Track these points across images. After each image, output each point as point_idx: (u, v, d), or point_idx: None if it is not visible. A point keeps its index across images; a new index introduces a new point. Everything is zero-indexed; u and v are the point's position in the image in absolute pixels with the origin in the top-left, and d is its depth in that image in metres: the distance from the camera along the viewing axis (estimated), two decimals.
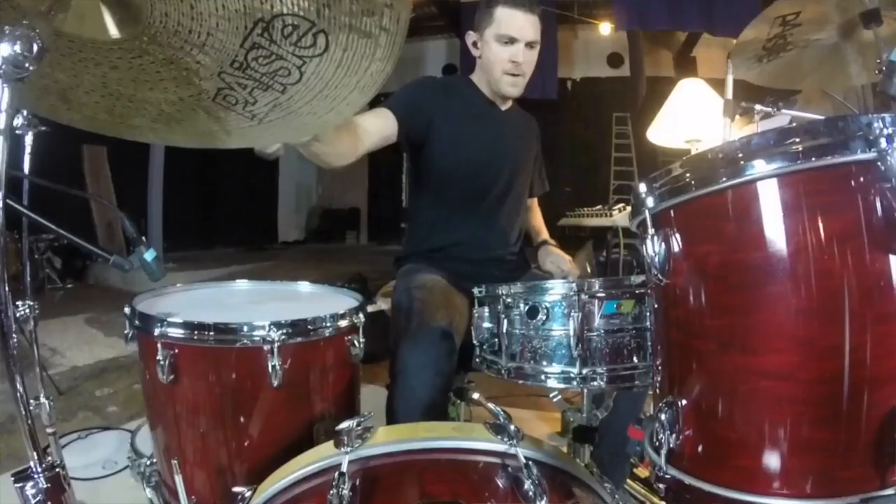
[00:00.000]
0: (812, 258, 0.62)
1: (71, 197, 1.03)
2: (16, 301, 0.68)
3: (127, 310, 1.05)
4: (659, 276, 0.73)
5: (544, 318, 0.98)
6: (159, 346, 0.97)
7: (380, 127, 1.38)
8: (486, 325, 1.10)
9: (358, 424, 0.68)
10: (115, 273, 4.57)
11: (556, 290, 0.99)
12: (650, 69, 7.43)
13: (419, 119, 1.47)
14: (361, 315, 1.11)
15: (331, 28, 0.70)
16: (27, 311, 1.18)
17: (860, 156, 0.60)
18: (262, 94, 0.79)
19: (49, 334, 3.43)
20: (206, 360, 0.99)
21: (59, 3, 0.66)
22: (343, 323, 1.06)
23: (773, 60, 1.67)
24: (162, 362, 0.96)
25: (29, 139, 1.50)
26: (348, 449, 0.66)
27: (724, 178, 0.66)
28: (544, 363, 1.00)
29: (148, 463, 1.11)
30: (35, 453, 0.69)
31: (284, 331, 0.97)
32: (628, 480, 1.55)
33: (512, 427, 0.69)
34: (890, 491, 0.59)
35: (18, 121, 1.20)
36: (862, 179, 0.61)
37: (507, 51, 1.47)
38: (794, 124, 0.99)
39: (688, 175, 0.70)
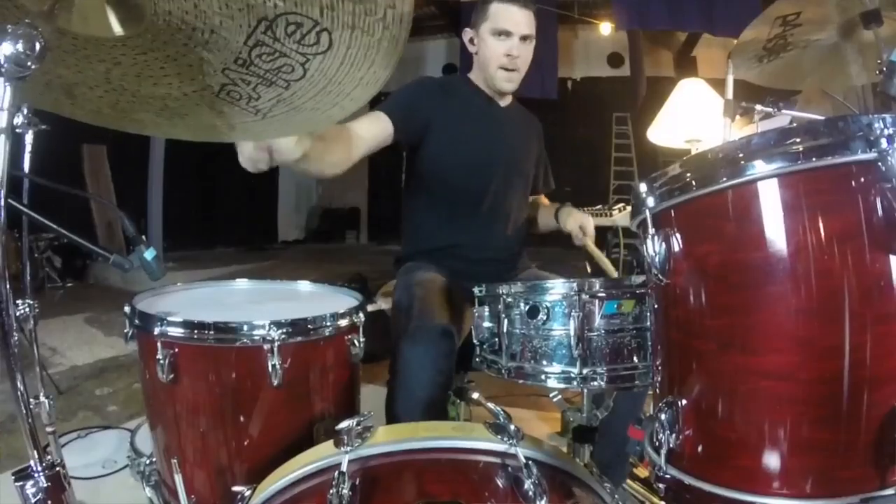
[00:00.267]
0: (812, 258, 0.62)
1: (71, 196, 1.03)
2: (16, 300, 0.68)
3: (127, 309, 1.05)
4: (659, 275, 0.73)
5: (545, 317, 0.98)
6: (159, 345, 0.97)
7: (375, 132, 1.38)
8: (487, 324, 1.10)
9: (358, 424, 0.68)
10: (115, 272, 4.58)
11: (556, 289, 0.99)
12: (650, 69, 7.44)
13: (416, 121, 1.47)
14: (361, 314, 1.11)
15: (334, 27, 0.70)
16: (27, 310, 1.18)
17: (860, 156, 0.60)
18: (266, 89, 0.79)
19: (49, 334, 3.43)
20: (205, 360, 0.99)
21: (61, 2, 0.66)
22: (343, 322, 1.06)
23: (774, 60, 1.67)
24: (162, 361, 0.96)
25: (29, 138, 1.50)
26: (348, 448, 0.66)
27: (725, 178, 0.66)
28: (544, 363, 1.00)
29: (148, 462, 1.11)
30: (35, 452, 0.69)
31: (284, 330, 0.97)
32: (628, 480, 1.55)
33: (512, 427, 0.69)
34: (890, 491, 0.59)
35: (19, 119, 1.20)
36: (862, 180, 0.61)
37: (502, 45, 1.47)
38: (795, 124, 0.99)
39: (688, 175, 0.70)
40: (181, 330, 0.97)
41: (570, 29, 7.72)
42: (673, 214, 0.73)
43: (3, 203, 0.62)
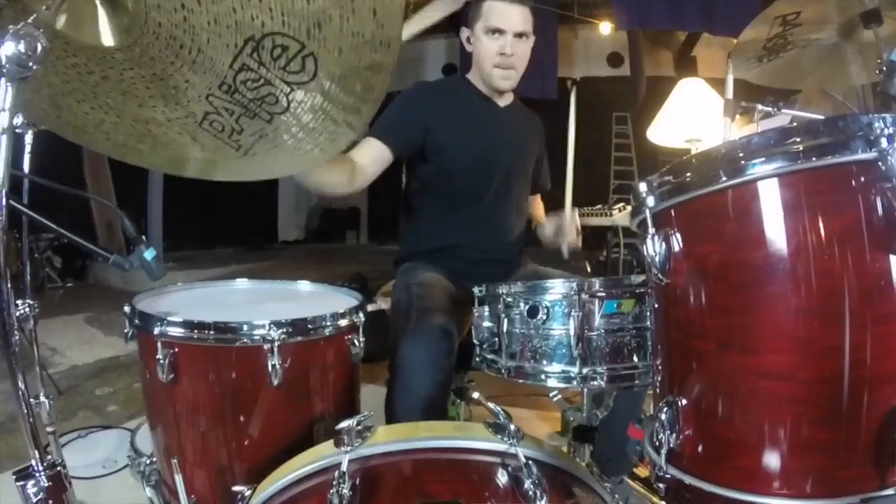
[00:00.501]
0: (812, 258, 0.62)
1: (71, 196, 1.03)
2: (16, 300, 0.68)
3: (127, 309, 1.05)
4: (659, 275, 0.73)
5: (544, 317, 0.98)
6: (159, 345, 0.97)
7: (373, 159, 1.41)
8: (487, 324, 1.10)
9: (358, 424, 0.68)
10: (115, 272, 4.58)
11: (556, 289, 0.99)
12: (650, 69, 7.44)
13: (412, 135, 1.48)
14: (361, 314, 1.11)
15: (319, 51, 0.70)
16: (27, 310, 1.18)
17: (861, 156, 0.60)
18: (249, 122, 0.79)
19: (49, 333, 3.43)
20: (205, 360, 0.99)
21: (59, 4, 0.66)
22: (343, 322, 1.06)
23: (774, 60, 1.67)
24: (162, 361, 0.96)
25: (29, 138, 1.50)
26: (348, 448, 0.66)
27: (725, 178, 0.66)
28: (544, 362, 1.00)
29: (148, 462, 1.11)
30: (36, 452, 0.69)
31: (284, 330, 0.96)
32: (628, 480, 1.55)
33: (512, 426, 0.69)
34: (890, 491, 0.59)
35: (19, 120, 1.20)
36: (862, 179, 0.61)
37: (495, 43, 1.46)
38: (795, 124, 0.99)
39: (688, 175, 0.70)
40: (181, 330, 0.97)
41: (570, 29, 7.71)
42: (673, 214, 0.73)
43: (3, 203, 0.62)
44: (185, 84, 0.75)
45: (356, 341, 1.10)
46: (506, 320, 1.03)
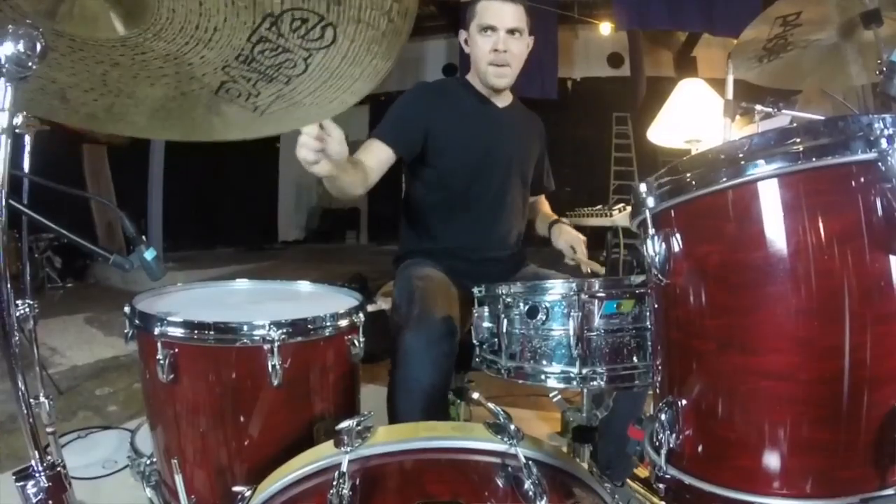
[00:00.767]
0: (812, 258, 0.62)
1: (71, 196, 1.03)
2: (16, 300, 0.68)
3: (127, 309, 1.05)
4: (659, 275, 0.73)
5: (544, 317, 0.98)
6: (159, 345, 0.97)
7: (377, 161, 1.43)
8: (486, 324, 1.10)
9: (358, 424, 0.68)
10: (115, 272, 4.58)
11: (555, 289, 0.99)
12: (650, 69, 7.43)
13: (413, 135, 1.49)
14: (361, 315, 1.11)
15: (339, 21, 0.70)
16: (27, 310, 1.17)
17: (861, 156, 0.60)
18: (266, 85, 0.79)
19: (49, 334, 3.43)
20: (205, 360, 0.99)
21: (62, 3, 0.66)
22: (343, 322, 1.06)
23: (774, 61, 1.67)
24: (162, 361, 0.96)
25: (29, 139, 1.50)
26: (348, 448, 0.66)
27: (725, 178, 0.66)
28: (544, 363, 1.00)
29: (148, 462, 1.11)
30: (36, 452, 0.69)
31: (284, 330, 0.96)
32: (628, 480, 1.55)
33: (512, 427, 0.69)
34: (890, 491, 0.59)
35: (18, 120, 1.20)
36: (862, 180, 0.61)
37: (488, 41, 1.47)
38: (795, 124, 0.99)
39: (688, 175, 0.70)
40: (181, 330, 0.97)
41: (570, 29, 7.71)
42: (673, 214, 0.73)
43: (3, 203, 0.62)
44: (199, 60, 0.75)
45: (356, 341, 1.10)
46: (505, 321, 1.03)
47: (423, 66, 8.65)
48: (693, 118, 2.10)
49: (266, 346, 0.95)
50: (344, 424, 0.68)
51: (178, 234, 6.64)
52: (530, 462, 0.64)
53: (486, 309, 1.10)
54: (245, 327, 0.96)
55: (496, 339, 1.06)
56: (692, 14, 5.26)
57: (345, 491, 0.59)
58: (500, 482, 0.66)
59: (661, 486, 0.75)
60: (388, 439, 0.70)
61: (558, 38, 6.87)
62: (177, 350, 0.97)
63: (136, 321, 1.02)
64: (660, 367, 0.81)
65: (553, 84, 6.69)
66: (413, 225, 1.63)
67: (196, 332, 0.96)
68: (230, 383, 0.99)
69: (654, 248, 0.74)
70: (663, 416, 0.73)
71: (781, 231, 0.63)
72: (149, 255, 0.91)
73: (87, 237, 0.90)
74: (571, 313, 0.96)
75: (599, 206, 3.87)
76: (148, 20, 0.70)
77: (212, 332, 0.96)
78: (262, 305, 1.23)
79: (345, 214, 10.17)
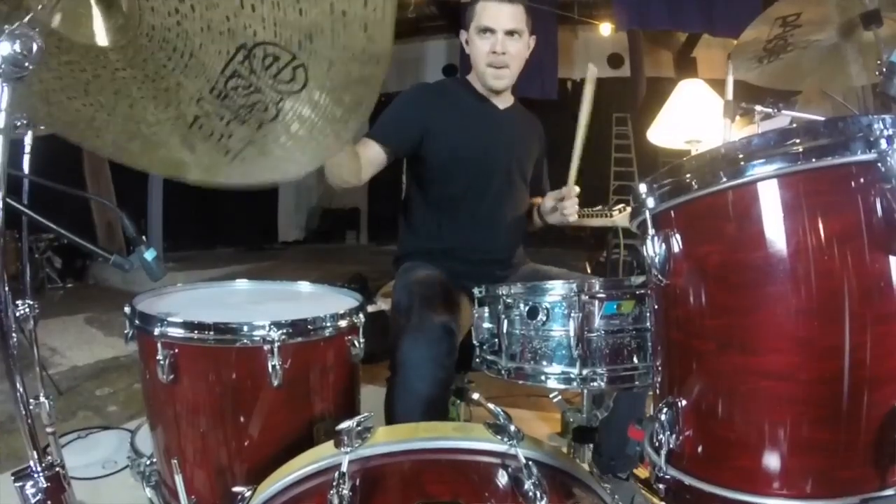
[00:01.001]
0: (812, 258, 0.62)
1: (71, 196, 1.03)
2: (16, 300, 0.68)
3: (127, 309, 1.05)
4: (659, 276, 0.73)
5: (544, 318, 0.98)
6: (159, 345, 0.97)
7: (371, 159, 1.44)
8: (487, 325, 1.10)
9: (358, 424, 0.68)
10: (115, 273, 4.57)
11: (556, 290, 0.99)
12: (650, 69, 7.43)
13: (409, 135, 1.49)
14: (361, 315, 1.11)
15: (310, 62, 0.70)
16: (27, 310, 1.17)
17: (860, 157, 0.60)
18: (238, 127, 0.79)
19: (49, 334, 3.42)
20: (206, 360, 0.99)
21: (55, 4, 0.66)
22: (343, 323, 1.06)
23: (774, 61, 1.67)
24: (162, 362, 0.96)
25: (29, 139, 1.50)
26: (348, 449, 0.66)
27: (725, 179, 0.66)
28: (544, 363, 1.00)
29: (148, 462, 1.11)
30: (35, 453, 0.69)
31: (284, 330, 0.97)
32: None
33: (512, 427, 0.69)
34: (890, 491, 0.59)
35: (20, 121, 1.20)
36: (862, 180, 0.61)
37: (486, 42, 1.47)
38: (795, 125, 0.99)
39: (688, 175, 0.70)
40: (181, 330, 0.97)
41: (570, 29, 7.71)
42: (673, 215, 0.73)
43: (2, 203, 0.62)
44: (176, 86, 0.75)
45: (356, 342, 1.10)
46: (506, 321, 1.03)
47: (422, 66, 8.65)
48: (693, 119, 2.10)
49: (266, 347, 0.95)
50: (344, 425, 0.68)
51: (178, 234, 6.63)
52: (530, 462, 0.64)
53: (486, 310, 1.10)
54: (245, 328, 0.96)
55: (496, 340, 1.06)
56: (692, 14, 5.26)
57: (345, 491, 0.59)
58: (500, 482, 0.66)
59: (661, 486, 0.75)
60: (388, 440, 0.70)
61: (558, 39, 6.87)
62: (177, 350, 0.97)
63: (136, 321, 1.02)
64: (660, 368, 0.81)
65: (553, 84, 6.69)
66: (413, 225, 1.63)
67: (196, 332, 0.96)
68: (230, 384, 0.99)
69: (654, 248, 0.73)
70: (663, 417, 0.73)
71: (781, 231, 0.63)
72: (149, 255, 0.91)
73: (87, 237, 0.90)
74: (572, 314, 0.96)
75: (599, 207, 3.87)
76: (129, 33, 0.70)
77: (212, 333, 0.96)
78: (263, 306, 1.23)
79: (345, 214, 10.17)
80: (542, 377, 1.00)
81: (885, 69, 1.03)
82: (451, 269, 1.49)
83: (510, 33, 1.46)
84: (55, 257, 5.37)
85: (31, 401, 0.70)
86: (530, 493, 0.61)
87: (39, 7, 0.63)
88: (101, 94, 0.78)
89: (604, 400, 1.13)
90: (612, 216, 3.76)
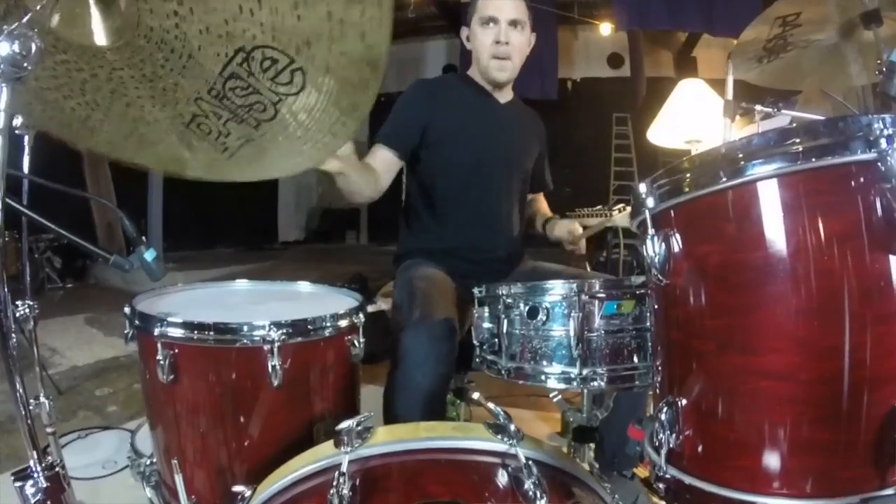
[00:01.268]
0: (812, 258, 0.62)
1: (71, 196, 1.03)
2: (15, 301, 0.69)
3: (127, 309, 1.05)
4: (659, 276, 0.73)
5: (544, 318, 0.98)
6: (159, 345, 0.97)
7: (385, 167, 1.47)
8: (487, 325, 1.10)
9: (358, 424, 0.68)
10: (115, 273, 4.57)
11: (556, 290, 0.99)
12: (650, 69, 7.43)
13: (412, 134, 1.51)
14: (361, 315, 1.11)
15: (308, 66, 0.71)
16: (27, 310, 1.17)
17: (860, 156, 0.60)
18: (236, 126, 0.80)
19: (49, 334, 3.42)
20: (206, 360, 0.99)
21: (54, 4, 0.66)
22: (343, 323, 1.06)
23: (774, 61, 1.67)
24: (162, 362, 0.96)
25: (29, 139, 1.50)
26: (348, 449, 0.66)
27: (725, 179, 0.66)
28: (544, 363, 1.00)
29: (148, 462, 1.11)
30: (34, 453, 0.69)
31: (284, 331, 0.96)
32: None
33: (512, 427, 0.69)
34: (890, 491, 0.59)
35: (18, 120, 1.20)
36: (862, 180, 0.61)
37: (490, 33, 1.48)
38: (795, 125, 0.99)
39: (688, 175, 0.70)
40: (181, 330, 0.97)
41: (570, 29, 7.71)
42: (673, 215, 0.73)
43: (1, 204, 0.62)
44: (174, 86, 0.76)
45: (356, 342, 1.10)
46: (506, 321, 1.03)
47: (422, 66, 8.65)
48: (693, 118, 2.10)
49: (266, 347, 0.95)
50: (344, 424, 0.68)
51: (178, 234, 6.63)
52: (530, 462, 0.64)
53: (486, 309, 1.10)
54: (245, 328, 0.96)
55: (496, 340, 1.06)
56: (692, 14, 5.26)
57: (345, 491, 0.59)
58: (500, 482, 0.66)
59: (661, 486, 0.75)
60: (388, 439, 0.70)
61: (558, 39, 6.87)
62: (177, 350, 0.97)
63: (136, 322, 1.02)
64: (660, 368, 0.81)
65: (553, 84, 6.69)
66: (413, 224, 1.63)
67: (196, 332, 0.96)
68: (230, 384, 0.99)
69: (654, 248, 0.73)
70: (663, 417, 0.73)
71: (781, 231, 0.63)
72: (149, 255, 0.91)
73: (87, 237, 0.90)
74: (572, 314, 0.96)
75: (599, 207, 3.86)
76: (127, 34, 0.70)
77: (212, 333, 0.96)
78: (262, 306, 1.23)
79: (345, 214, 10.17)
80: (542, 377, 1.00)
81: (885, 69, 1.03)
82: (452, 267, 1.49)
83: (513, 24, 1.47)
84: (55, 257, 5.37)
85: (31, 401, 0.70)
86: (530, 493, 0.61)
87: (38, 7, 0.63)
88: (98, 94, 0.78)
89: (604, 400, 1.13)
90: (611, 216, 3.76)
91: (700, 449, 0.71)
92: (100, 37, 0.71)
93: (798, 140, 0.62)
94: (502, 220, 1.59)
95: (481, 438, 0.71)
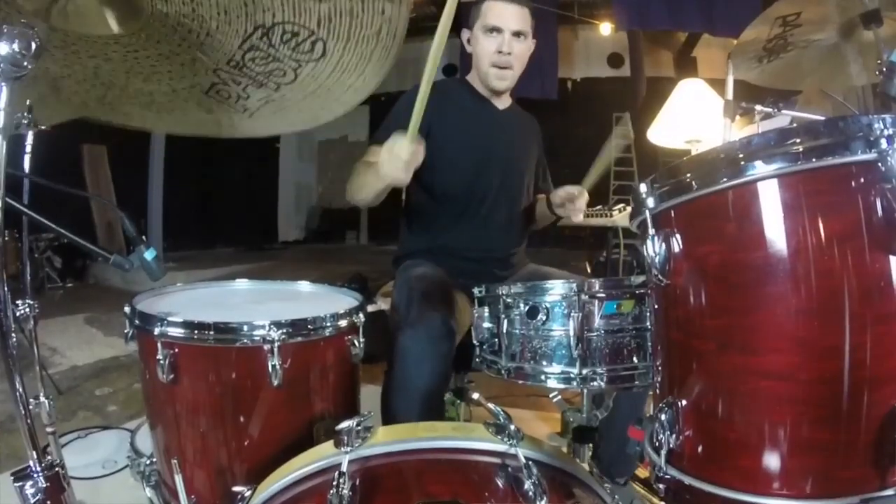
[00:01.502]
0: (812, 258, 0.62)
1: (71, 196, 1.03)
2: (16, 300, 0.69)
3: (127, 309, 1.05)
4: (659, 276, 0.73)
5: (544, 318, 0.98)
6: (159, 345, 0.97)
7: None
8: (487, 324, 1.10)
9: (358, 424, 0.68)
10: (115, 272, 4.58)
11: (556, 290, 0.99)
12: (650, 69, 7.44)
13: None
14: (361, 315, 1.11)
15: (329, 37, 0.71)
16: (27, 310, 1.17)
17: (860, 156, 0.60)
18: (256, 90, 0.80)
19: (49, 334, 3.42)
20: (206, 360, 0.99)
21: (56, 2, 0.67)
22: (343, 323, 1.06)
23: (774, 61, 1.67)
24: (162, 362, 0.96)
25: (29, 139, 1.50)
26: (348, 449, 0.66)
27: (725, 179, 0.66)
28: (544, 363, 1.00)
29: (148, 462, 1.11)
30: (34, 452, 0.69)
31: (284, 330, 0.96)
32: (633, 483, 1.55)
33: (512, 427, 0.69)
34: (890, 491, 0.59)
35: (28, 120, 1.20)
36: (862, 180, 0.61)
37: (493, 41, 1.47)
38: (795, 125, 0.99)
39: (688, 175, 0.70)
40: (181, 330, 0.97)
41: (570, 29, 7.71)
42: (673, 215, 0.73)
43: (1, 203, 0.62)
44: (192, 61, 0.76)
45: (356, 342, 1.10)
46: (506, 321, 1.03)
47: (422, 66, 8.59)
48: (693, 118, 2.10)
49: (266, 346, 0.95)
50: (344, 424, 0.68)
51: (178, 234, 6.64)
52: (530, 462, 0.64)
53: (486, 309, 1.10)
54: (245, 327, 0.96)
55: (496, 340, 1.06)
56: (692, 14, 5.26)
57: (345, 491, 0.59)
58: (500, 482, 0.66)
59: (661, 486, 0.75)
60: (388, 439, 0.70)
61: (558, 38, 6.87)
62: (177, 350, 0.97)
63: (136, 321, 1.02)
64: (660, 368, 0.81)
65: (553, 84, 6.70)
66: (413, 225, 1.63)
67: (196, 332, 0.96)
68: (230, 383, 0.99)
69: (654, 248, 0.73)
70: (663, 417, 0.73)
71: (781, 231, 0.63)
72: (149, 255, 0.91)
73: (87, 237, 0.90)
74: (572, 314, 0.96)
75: (599, 206, 3.86)
76: (140, 21, 0.71)
77: (212, 333, 0.96)
78: (263, 305, 1.23)
79: (345, 214, 10.18)
80: (542, 377, 1.00)
81: (885, 69, 1.03)
82: (452, 268, 1.49)
83: (517, 34, 1.47)
84: (55, 257, 5.36)
85: (31, 400, 0.70)
86: (530, 493, 0.61)
87: (39, 6, 0.63)
88: (112, 76, 0.79)
89: (604, 400, 1.13)
90: (612, 216, 3.76)
91: (700, 449, 0.71)
92: (114, 26, 0.72)
93: (798, 140, 0.62)
94: (502, 223, 1.59)
95: (481, 438, 0.71)
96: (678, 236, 0.72)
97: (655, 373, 0.83)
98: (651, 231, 0.75)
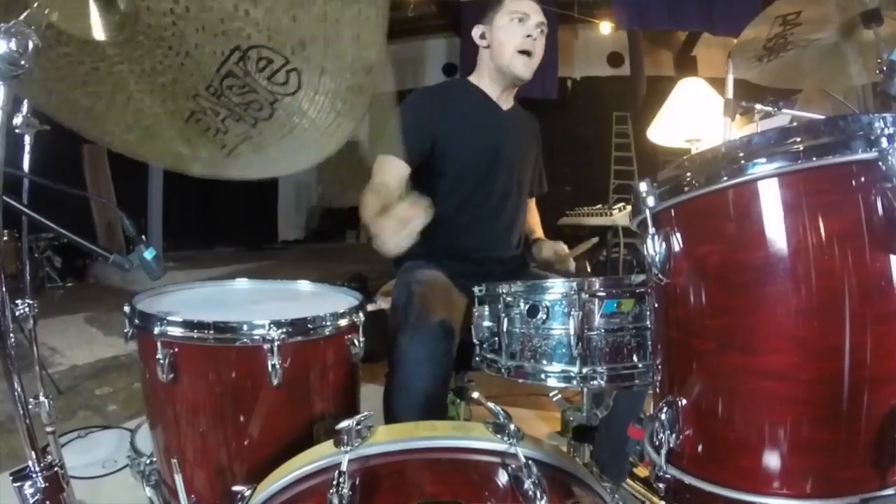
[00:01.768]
0: (812, 258, 0.62)
1: (71, 196, 1.03)
2: (15, 300, 0.69)
3: (127, 308, 1.05)
4: (659, 275, 0.73)
5: (544, 316, 0.98)
6: (159, 344, 0.97)
7: (398, 176, 1.43)
8: (487, 323, 1.10)
9: (358, 424, 0.68)
10: (115, 272, 4.58)
11: (556, 288, 0.99)
12: (650, 69, 7.42)
13: (422, 145, 1.49)
14: (361, 314, 1.11)
15: (303, 67, 0.71)
16: (27, 310, 1.17)
17: (861, 155, 0.60)
18: (234, 124, 0.80)
19: (49, 333, 3.42)
20: (205, 359, 0.99)
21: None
22: (343, 322, 1.06)
23: (774, 60, 1.67)
24: (162, 361, 0.96)
25: (29, 139, 1.50)
26: (348, 448, 0.66)
27: (725, 178, 0.66)
28: (544, 362, 1.00)
29: (148, 462, 1.11)
30: (33, 452, 0.69)
31: (284, 330, 0.96)
32: (628, 480, 1.55)
33: (512, 426, 0.69)
34: (890, 491, 0.59)
35: (18, 120, 1.19)
36: (863, 179, 0.61)
37: (521, 27, 1.47)
38: (795, 124, 0.99)
39: (688, 174, 0.70)
40: (181, 329, 0.97)
41: (570, 28, 7.70)
42: (673, 214, 0.73)
43: (0, 203, 0.62)
44: (172, 82, 0.76)
45: (356, 341, 1.10)
46: (506, 320, 1.03)
47: (422, 66, 8.64)
48: (693, 117, 2.10)
49: (266, 346, 0.95)
50: (344, 424, 0.68)
51: (178, 233, 6.63)
52: (530, 462, 0.64)
53: (486, 308, 1.10)
54: (245, 327, 0.96)
55: (496, 339, 1.06)
56: (692, 14, 5.26)
57: (345, 491, 0.59)
58: (500, 482, 0.66)
59: (661, 485, 0.75)
60: (387, 439, 0.70)
61: (558, 38, 6.86)
62: (177, 350, 0.97)
63: (136, 321, 1.02)
64: (660, 367, 0.81)
65: (553, 84, 6.69)
66: None
67: (196, 331, 0.96)
68: (230, 383, 0.99)
69: (654, 247, 0.73)
70: (663, 416, 0.73)
71: (781, 231, 0.63)
72: (148, 254, 0.91)
73: (87, 237, 0.90)
74: (572, 312, 0.96)
75: (599, 206, 3.87)
76: (126, 30, 0.71)
77: (212, 332, 0.96)
78: (262, 305, 1.22)
79: (345, 214, 10.17)
80: (542, 376, 1.00)
81: (885, 68, 1.03)
82: (453, 268, 1.49)
83: (540, 27, 1.48)
84: (55, 257, 5.36)
85: (31, 400, 0.70)
86: (530, 493, 0.61)
87: (36, 4, 0.63)
88: (100, 86, 0.79)
89: (603, 399, 1.13)
90: (612, 215, 3.77)
91: (700, 449, 0.71)
92: (99, 32, 0.72)
93: (798, 139, 0.62)
94: (504, 224, 1.60)
95: (481, 438, 0.71)
96: (678, 235, 0.72)
97: (655, 372, 0.83)
98: (651, 230, 0.74)
